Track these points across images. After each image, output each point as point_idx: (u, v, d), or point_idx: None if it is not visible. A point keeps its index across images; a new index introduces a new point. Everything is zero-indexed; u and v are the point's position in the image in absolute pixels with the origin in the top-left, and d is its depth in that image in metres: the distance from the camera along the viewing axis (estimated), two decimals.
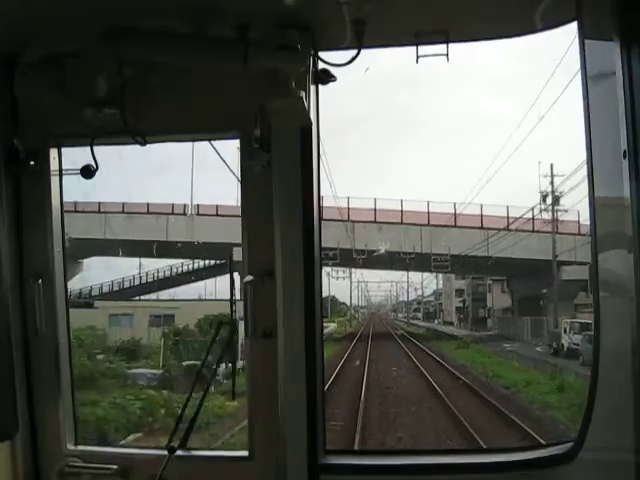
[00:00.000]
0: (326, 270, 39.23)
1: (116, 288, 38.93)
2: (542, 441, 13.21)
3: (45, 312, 3.51)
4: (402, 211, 41.67)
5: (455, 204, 42.21)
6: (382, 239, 39.88)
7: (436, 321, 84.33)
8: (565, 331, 30.50)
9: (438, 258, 41.06)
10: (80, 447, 3.61)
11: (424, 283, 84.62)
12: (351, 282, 70.93)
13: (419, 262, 41.14)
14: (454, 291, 76.98)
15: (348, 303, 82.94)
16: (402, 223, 40.99)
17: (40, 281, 3.51)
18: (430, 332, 61.57)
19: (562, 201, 34.25)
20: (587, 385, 3.16)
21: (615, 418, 3.02)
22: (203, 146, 4.13)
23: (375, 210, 41.54)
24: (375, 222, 41.31)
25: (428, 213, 41.69)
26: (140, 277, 41.54)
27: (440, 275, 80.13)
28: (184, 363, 20.13)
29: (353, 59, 3.25)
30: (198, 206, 36.42)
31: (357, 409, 19.11)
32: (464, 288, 70.66)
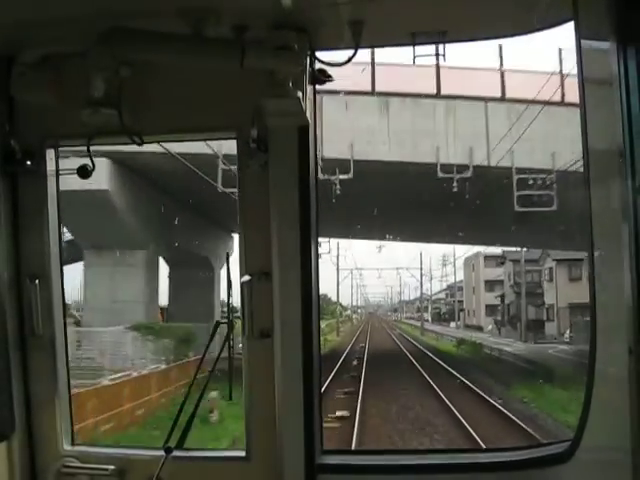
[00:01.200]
0: None
1: None
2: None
3: (42, 312, 3.51)
4: (438, 67, 18.03)
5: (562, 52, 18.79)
6: (389, 138, 17.83)
7: (452, 324, 63.37)
8: None
9: (527, 180, 18.03)
10: (77, 447, 3.61)
11: (424, 279, 66.41)
12: (338, 263, 51.41)
13: (477, 192, 18.09)
14: (482, 283, 54.47)
15: (344, 302, 70.31)
16: (439, 95, 18.34)
17: (37, 281, 3.51)
18: (471, 347, 36.01)
19: None
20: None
21: (612, 418, 3.02)
22: None
23: (373, 64, 18.55)
24: (373, 93, 18.58)
25: (502, 75, 18.55)
26: None
27: (459, 262, 55.87)
28: None
29: (350, 59, 3.25)
30: None
31: None
32: (502, 278, 49.45)
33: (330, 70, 3.38)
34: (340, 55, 3.32)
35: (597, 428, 3.08)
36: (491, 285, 53.24)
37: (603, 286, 3.04)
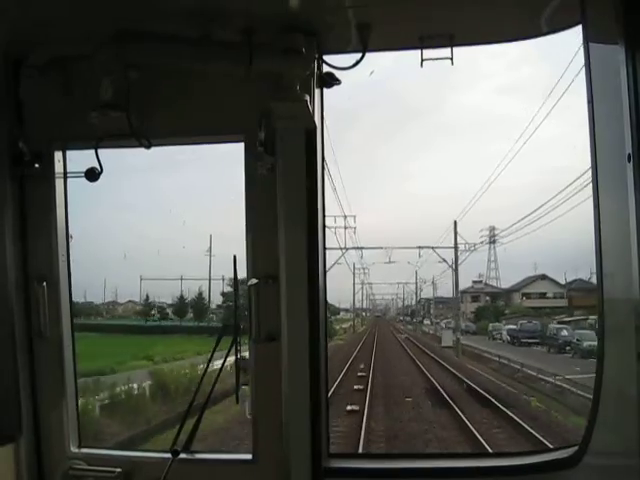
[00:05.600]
0: None
1: None
2: None
3: (49, 315, 3.52)
4: None
5: None
6: None
7: None
8: None
9: None
10: (84, 450, 3.61)
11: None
12: (354, 274, 38.02)
13: None
14: None
15: (339, 305, 50.08)
16: None
17: (44, 284, 3.52)
18: None
19: None
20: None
21: (619, 422, 3.00)
22: None
23: None
24: None
25: None
26: None
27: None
28: None
29: (357, 62, 3.26)
30: None
31: None
32: None
33: (338, 74, 3.39)
34: (348, 59, 3.32)
35: (605, 433, 3.07)
36: None
37: (611, 290, 3.02)
